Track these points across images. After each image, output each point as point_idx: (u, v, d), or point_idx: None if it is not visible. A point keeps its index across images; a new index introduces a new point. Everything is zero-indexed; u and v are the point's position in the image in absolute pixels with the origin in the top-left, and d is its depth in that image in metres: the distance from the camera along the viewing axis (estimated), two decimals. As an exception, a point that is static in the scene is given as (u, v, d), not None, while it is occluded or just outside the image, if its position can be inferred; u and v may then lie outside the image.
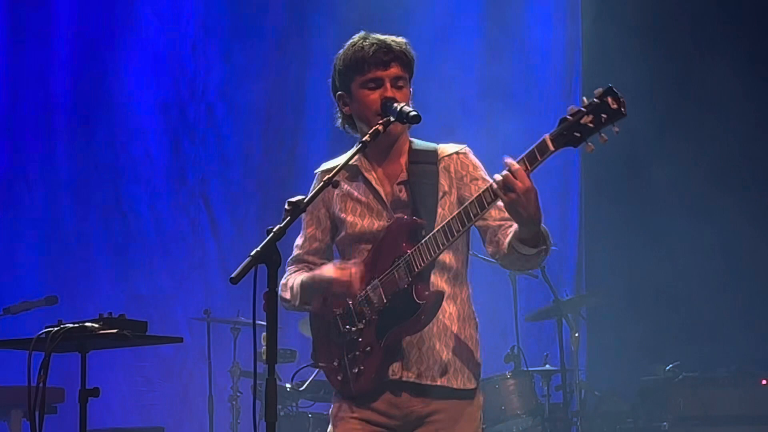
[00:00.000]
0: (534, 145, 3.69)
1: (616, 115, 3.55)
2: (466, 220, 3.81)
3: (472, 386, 4.06)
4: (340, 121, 4.24)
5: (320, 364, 4.12)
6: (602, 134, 3.59)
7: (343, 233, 4.13)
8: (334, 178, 3.70)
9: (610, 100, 3.55)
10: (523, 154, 3.69)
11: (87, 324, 4.24)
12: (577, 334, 8.15)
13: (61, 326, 4.25)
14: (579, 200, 10.65)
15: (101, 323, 4.24)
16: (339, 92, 4.16)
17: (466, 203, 3.83)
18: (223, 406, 8.76)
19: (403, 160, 4.13)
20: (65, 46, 10.10)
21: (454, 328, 4.05)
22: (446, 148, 4.18)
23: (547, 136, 3.65)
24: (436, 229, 3.88)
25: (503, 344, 8.38)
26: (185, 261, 9.94)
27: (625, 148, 8.97)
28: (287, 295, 4.15)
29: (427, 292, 3.92)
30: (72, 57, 10.10)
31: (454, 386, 4.01)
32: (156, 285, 9.77)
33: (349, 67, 4.08)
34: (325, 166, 4.25)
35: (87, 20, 10.16)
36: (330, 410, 4.16)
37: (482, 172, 4.13)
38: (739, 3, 9.91)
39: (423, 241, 3.88)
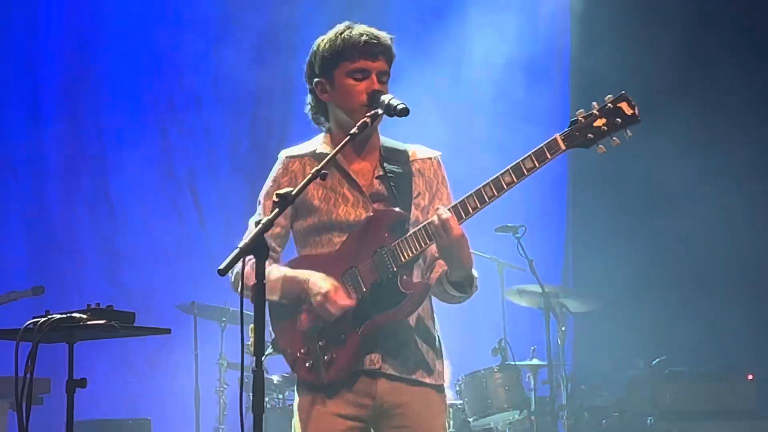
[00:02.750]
0: (544, 144, 3.79)
1: (631, 120, 3.77)
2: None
3: (441, 382, 4.11)
4: (309, 107, 4.19)
5: (287, 350, 4.01)
6: (614, 137, 3.79)
7: (311, 220, 4.06)
8: (323, 170, 3.67)
9: (625, 105, 3.76)
10: (530, 152, 3.79)
11: (75, 314, 4.22)
12: (564, 328, 8.16)
13: (49, 317, 4.23)
14: (567, 195, 10.67)
15: (89, 314, 4.22)
16: (318, 78, 4.09)
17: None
18: (209, 398, 8.76)
19: (377, 155, 4.13)
20: (53, 35, 10.08)
21: (429, 324, 4.10)
22: (418, 151, 4.20)
23: (558, 136, 3.78)
24: (425, 222, 3.89)
25: (490, 338, 8.37)
26: (172, 252, 9.93)
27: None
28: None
29: (414, 283, 3.95)
30: (60, 47, 10.08)
31: (427, 381, 4.04)
32: (142, 276, 9.76)
33: (337, 53, 4.03)
34: (290, 151, 4.18)
35: (75, 10, 10.13)
36: (295, 403, 4.06)
37: (447, 189, 4.19)
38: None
39: (411, 232, 3.90)
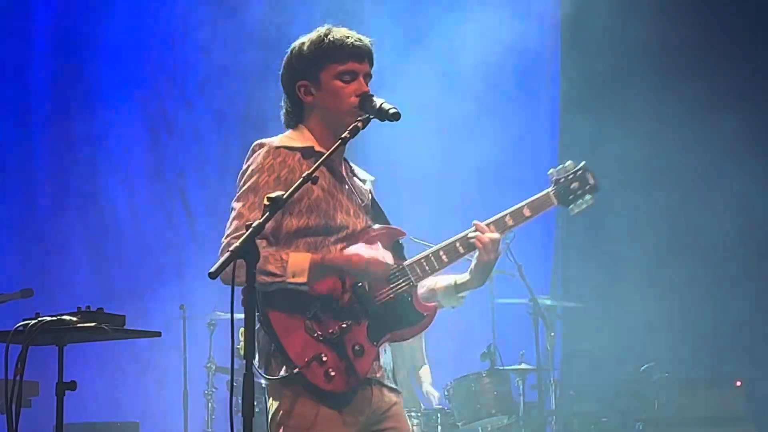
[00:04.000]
0: (537, 197, 4.26)
1: (594, 188, 4.34)
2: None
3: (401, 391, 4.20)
4: (285, 110, 4.14)
5: (302, 356, 3.82)
6: (583, 203, 4.37)
7: (307, 220, 3.95)
8: (314, 174, 3.63)
9: (590, 175, 4.34)
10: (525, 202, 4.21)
11: (65, 317, 4.22)
12: (552, 334, 8.17)
13: (39, 319, 4.23)
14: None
15: (80, 316, 4.22)
16: (300, 81, 4.05)
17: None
18: (198, 401, 8.75)
19: (344, 164, 4.17)
20: (43, 39, 10.07)
21: None
22: (360, 170, 4.28)
23: (550, 192, 4.28)
24: (443, 245, 4.08)
25: (479, 343, 8.38)
26: (162, 255, 9.92)
27: (598, 146, 9.06)
28: (275, 269, 3.81)
29: (428, 305, 4.09)
30: (49, 49, 10.07)
31: (397, 387, 4.10)
32: (132, 279, 9.75)
33: (323, 55, 3.99)
34: (281, 142, 4.05)
35: (65, 13, 10.12)
36: (292, 409, 3.90)
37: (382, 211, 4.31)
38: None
39: (426, 255, 4.07)
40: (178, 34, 10.29)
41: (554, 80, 10.41)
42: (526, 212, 4.19)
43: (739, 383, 8.32)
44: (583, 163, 4.34)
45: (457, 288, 4.17)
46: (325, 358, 3.86)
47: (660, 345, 9.22)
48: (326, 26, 4.07)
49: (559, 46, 10.39)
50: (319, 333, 3.88)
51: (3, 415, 4.39)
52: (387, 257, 3.95)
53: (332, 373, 3.86)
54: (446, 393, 8.07)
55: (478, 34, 9.82)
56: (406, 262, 4.03)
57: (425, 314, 4.05)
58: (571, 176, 4.30)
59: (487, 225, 4.10)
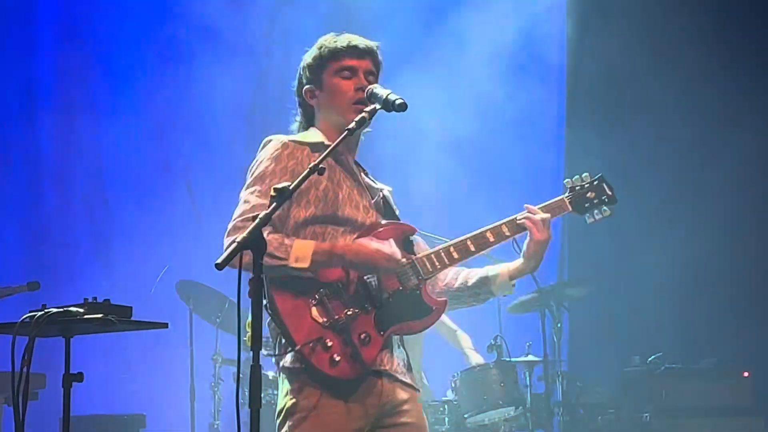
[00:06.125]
0: (552, 201, 4.39)
1: (611, 200, 4.48)
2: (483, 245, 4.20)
3: (420, 387, 4.23)
4: (298, 118, 4.28)
5: (306, 342, 3.86)
6: (600, 213, 4.50)
7: (314, 211, 4.01)
8: (320, 165, 3.65)
9: (605, 186, 4.49)
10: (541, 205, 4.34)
11: (72, 308, 4.22)
12: (559, 324, 8.16)
13: (46, 310, 4.23)
14: (562, 188, 10.62)
15: (86, 308, 4.22)
16: (306, 87, 4.19)
17: (487, 230, 4.22)
18: (204, 393, 8.75)
19: (357, 165, 4.23)
20: (48, 29, 10.06)
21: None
22: (376, 181, 4.35)
23: (565, 198, 4.42)
24: (454, 241, 4.15)
25: (485, 334, 8.36)
26: (168, 247, 9.91)
27: (612, 130, 9.05)
28: (279, 252, 3.83)
29: (437, 299, 4.13)
30: (55, 40, 10.06)
31: (413, 384, 4.14)
32: (138, 271, 9.74)
33: (323, 57, 4.13)
34: (290, 137, 4.14)
35: (71, 4, 10.11)
36: (297, 399, 3.94)
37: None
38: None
39: (437, 250, 4.13)
40: (181, 27, 10.26)
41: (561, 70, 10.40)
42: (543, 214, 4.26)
43: (747, 374, 8.31)
44: (599, 174, 4.47)
45: (511, 275, 4.26)
46: (330, 344, 3.89)
47: (668, 336, 9.21)
48: (331, 34, 4.19)
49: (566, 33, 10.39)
50: (325, 319, 3.90)
51: (10, 408, 4.38)
52: (395, 252, 3.97)
53: (337, 359, 3.88)
54: (453, 385, 8.06)
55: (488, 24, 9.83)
56: (416, 257, 4.08)
57: (434, 308, 4.09)
58: (587, 186, 4.45)
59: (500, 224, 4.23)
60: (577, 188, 4.43)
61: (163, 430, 9.48)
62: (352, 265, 3.94)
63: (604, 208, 4.45)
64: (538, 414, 8.06)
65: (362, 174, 4.25)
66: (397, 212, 4.29)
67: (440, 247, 4.16)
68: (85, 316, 4.19)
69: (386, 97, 3.92)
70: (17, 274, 8.55)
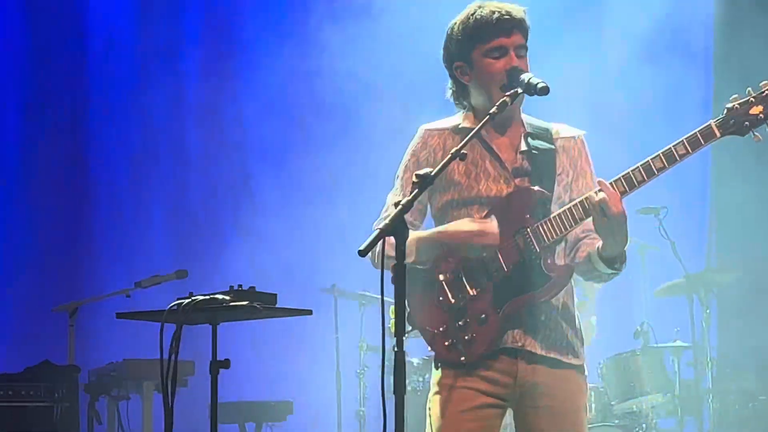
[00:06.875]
0: (697, 129, 3.80)
1: None
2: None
3: (581, 363, 4.07)
4: (451, 91, 4.17)
5: (426, 327, 3.98)
6: None
7: (450, 195, 4.04)
8: (462, 151, 3.66)
9: None
10: (683, 138, 3.80)
11: (218, 296, 4.28)
12: (708, 311, 8.02)
13: (193, 298, 4.30)
14: (710, 175, 10.40)
15: (232, 295, 4.28)
16: (456, 62, 4.09)
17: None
18: (350, 380, 8.81)
19: (521, 131, 4.10)
20: (193, 24, 10.24)
21: (570, 304, 4.07)
22: (562, 129, 4.17)
23: (712, 122, 3.79)
24: (571, 204, 3.89)
25: (632, 320, 8.26)
26: (312, 233, 9.98)
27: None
28: (390, 251, 3.72)
29: (558, 266, 3.95)
30: (201, 35, 10.24)
31: (568, 361, 4.01)
32: (282, 258, 9.84)
33: (470, 35, 4.01)
34: (430, 125, 4.17)
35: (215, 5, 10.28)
36: (433, 379, 4.05)
37: (591, 168, 4.15)
38: None
39: (557, 213, 3.89)
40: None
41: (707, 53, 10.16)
42: (680, 150, 3.80)
43: None
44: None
45: (599, 254, 3.92)
46: (444, 328, 3.94)
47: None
48: (476, 3, 4.06)
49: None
50: (444, 302, 3.95)
51: (160, 394, 4.46)
52: (491, 232, 3.90)
53: (453, 343, 3.93)
54: (599, 372, 7.98)
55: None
56: (535, 224, 3.90)
57: (554, 276, 3.90)
58: (751, 100, 3.80)
59: (617, 181, 3.84)
60: (737, 106, 3.80)
61: (310, 416, 9.58)
62: (455, 249, 3.94)
63: None
64: (687, 401, 7.94)
65: (518, 136, 4.09)
66: (560, 169, 4.06)
67: (554, 213, 3.91)
68: (231, 304, 4.25)
69: (528, 80, 3.89)
70: (166, 262, 8.72)
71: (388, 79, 10.00)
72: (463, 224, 3.96)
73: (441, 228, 4.01)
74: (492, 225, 3.93)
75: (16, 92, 10.06)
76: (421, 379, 8.04)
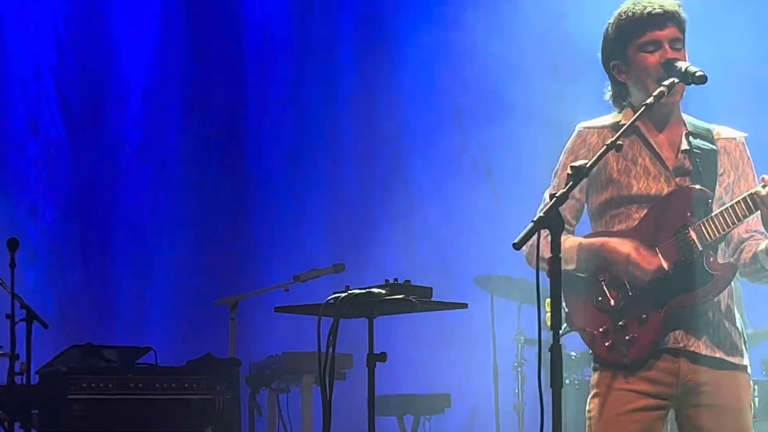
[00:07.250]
0: None
1: None
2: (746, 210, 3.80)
3: (745, 363, 4.01)
4: (609, 93, 4.15)
5: (585, 328, 3.98)
6: None
7: (608, 193, 4.02)
8: (618, 142, 3.63)
9: None
10: None
11: (374, 290, 4.32)
12: None
13: (349, 292, 4.34)
14: None
15: (388, 289, 4.31)
16: (613, 62, 4.07)
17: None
18: (508, 374, 8.77)
19: (682, 131, 4.05)
20: (350, 17, 10.33)
21: (729, 303, 4.01)
22: (723, 131, 4.12)
23: None
24: (733, 201, 3.83)
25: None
26: (466, 227, 9.96)
27: None
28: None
29: (720, 264, 3.90)
30: (355, 28, 10.32)
31: (732, 360, 3.96)
32: (438, 251, 9.86)
33: (624, 32, 3.99)
34: (587, 123, 4.15)
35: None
36: (593, 378, 4.04)
37: (753, 170, 4.09)
38: None
39: (719, 211, 3.84)
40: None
41: None
42: None
43: None
44: None
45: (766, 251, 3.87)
46: (603, 329, 3.91)
47: None
48: (630, 0, 4.04)
49: None
50: (603, 305, 3.93)
51: (318, 387, 4.52)
52: (650, 264, 3.86)
53: (613, 344, 3.89)
54: (763, 366, 7.80)
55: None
56: (698, 223, 3.86)
57: (715, 274, 3.86)
58: None
59: None
60: None
61: (467, 409, 9.59)
62: (614, 262, 3.91)
63: None
64: None
65: (673, 137, 4.07)
66: (722, 170, 4.02)
67: (717, 211, 3.87)
68: (387, 297, 4.28)
69: (685, 69, 3.85)
70: (324, 256, 8.81)
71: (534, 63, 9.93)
72: (625, 246, 3.91)
73: (603, 240, 3.97)
74: (653, 260, 3.89)
75: (178, 91, 10.28)
76: (578, 373, 7.97)
